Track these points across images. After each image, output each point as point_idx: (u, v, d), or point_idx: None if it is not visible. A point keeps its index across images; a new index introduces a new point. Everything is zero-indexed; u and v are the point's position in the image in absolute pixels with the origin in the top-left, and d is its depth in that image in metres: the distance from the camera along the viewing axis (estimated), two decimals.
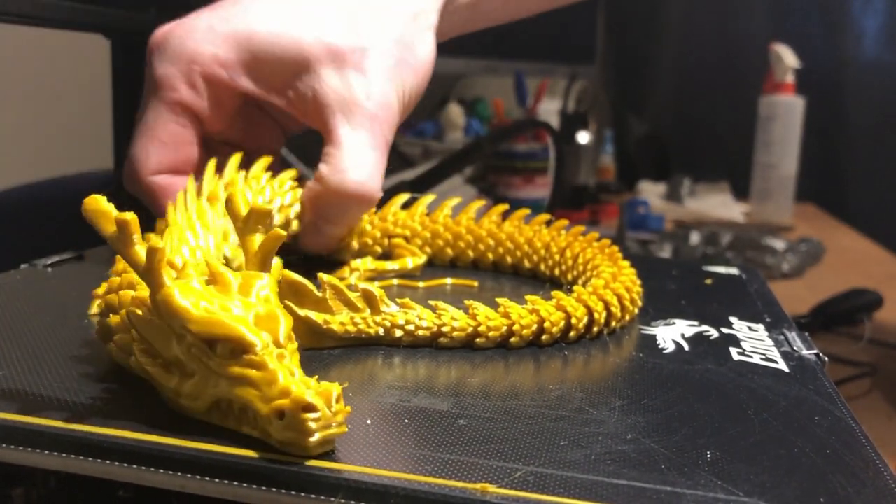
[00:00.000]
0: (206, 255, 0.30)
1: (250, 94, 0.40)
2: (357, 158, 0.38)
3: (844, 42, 1.48)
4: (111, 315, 0.25)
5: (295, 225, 0.40)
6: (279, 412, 0.20)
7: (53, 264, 0.38)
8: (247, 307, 0.22)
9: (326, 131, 0.39)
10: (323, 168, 0.38)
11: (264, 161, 0.40)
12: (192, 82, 0.39)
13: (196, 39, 0.39)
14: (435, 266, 0.43)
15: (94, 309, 0.31)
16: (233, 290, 0.23)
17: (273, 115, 0.45)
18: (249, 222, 0.24)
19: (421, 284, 0.39)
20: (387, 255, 0.42)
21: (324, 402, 0.20)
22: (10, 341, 0.27)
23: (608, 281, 0.34)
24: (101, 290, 0.29)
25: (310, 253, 0.41)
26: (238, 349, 0.21)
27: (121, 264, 0.28)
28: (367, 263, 0.40)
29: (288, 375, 0.21)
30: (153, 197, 0.39)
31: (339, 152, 0.38)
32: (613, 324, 0.32)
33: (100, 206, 0.22)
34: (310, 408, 0.20)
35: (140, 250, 0.22)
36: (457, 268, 0.43)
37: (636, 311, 0.34)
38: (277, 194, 0.39)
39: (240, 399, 0.21)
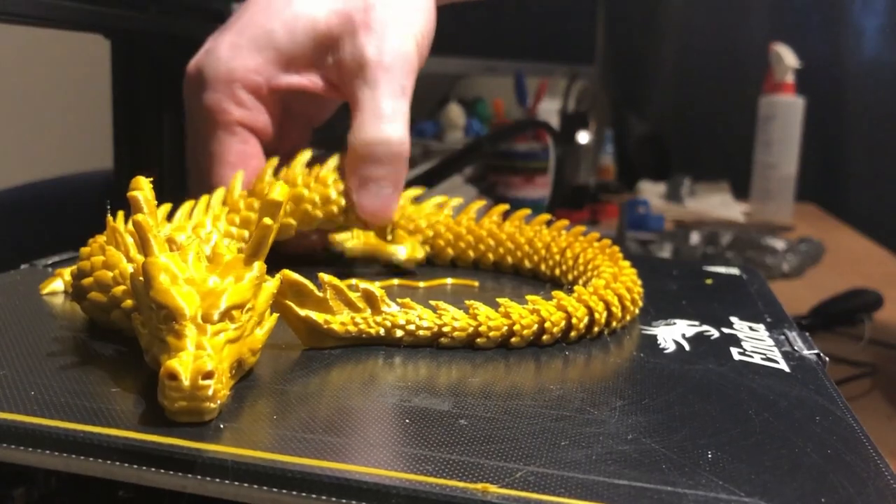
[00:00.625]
0: (220, 239, 0.34)
1: (291, 88, 0.41)
2: (375, 112, 0.39)
3: (844, 42, 1.48)
4: (84, 279, 0.29)
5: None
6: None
7: (53, 264, 0.38)
8: (201, 283, 0.24)
9: (351, 98, 0.40)
10: (350, 133, 0.39)
11: (304, 156, 0.42)
12: (238, 99, 0.40)
13: (225, 59, 0.40)
14: (435, 266, 0.43)
15: (49, 287, 0.34)
16: (218, 269, 0.25)
17: (301, 110, 0.45)
18: (261, 211, 0.25)
19: (421, 284, 0.39)
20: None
21: (189, 375, 0.21)
22: (10, 341, 0.27)
23: (609, 281, 0.34)
24: (65, 271, 0.33)
25: (377, 225, 0.41)
26: (170, 316, 0.23)
27: (95, 241, 0.31)
28: (362, 236, 0.41)
29: (190, 346, 0.22)
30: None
31: (360, 113, 0.39)
32: (614, 324, 0.32)
33: (145, 193, 0.25)
34: (174, 376, 0.21)
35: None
36: (457, 268, 0.43)
37: (637, 311, 0.34)
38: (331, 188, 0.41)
39: (159, 360, 0.23)
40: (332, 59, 0.40)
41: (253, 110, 0.41)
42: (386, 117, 0.39)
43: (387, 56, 0.39)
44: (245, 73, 0.40)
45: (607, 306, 0.32)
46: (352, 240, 0.41)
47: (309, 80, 0.41)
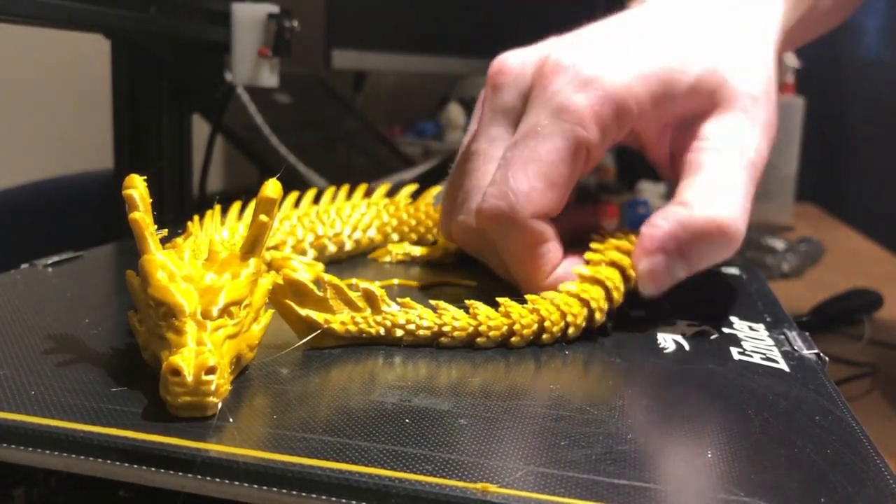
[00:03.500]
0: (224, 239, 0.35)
1: (641, 133, 0.37)
2: (730, 194, 0.34)
3: (844, 42, 1.48)
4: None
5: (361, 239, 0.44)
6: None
7: (53, 264, 0.38)
8: (199, 280, 0.24)
9: (695, 165, 0.35)
10: (689, 195, 0.34)
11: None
12: (602, 121, 0.34)
13: (610, 68, 0.34)
14: (436, 266, 0.43)
15: None
16: (214, 266, 0.25)
17: None
18: (257, 208, 0.25)
19: (422, 284, 0.39)
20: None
21: (193, 371, 0.21)
22: (10, 341, 0.27)
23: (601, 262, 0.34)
24: None
25: (645, 295, 0.35)
26: (169, 313, 0.23)
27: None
28: (405, 247, 0.43)
29: (190, 343, 0.22)
30: (528, 241, 0.34)
31: (711, 186, 0.34)
32: (616, 296, 0.33)
33: (140, 191, 0.24)
34: (177, 372, 0.21)
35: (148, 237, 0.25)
36: (457, 268, 0.43)
37: (633, 282, 0.34)
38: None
39: (158, 356, 0.23)
40: (694, 124, 0.36)
41: (605, 140, 0.35)
42: (738, 205, 0.34)
43: (755, 153, 0.35)
44: (625, 95, 0.34)
45: (607, 292, 0.32)
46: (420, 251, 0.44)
47: (656, 134, 0.37)
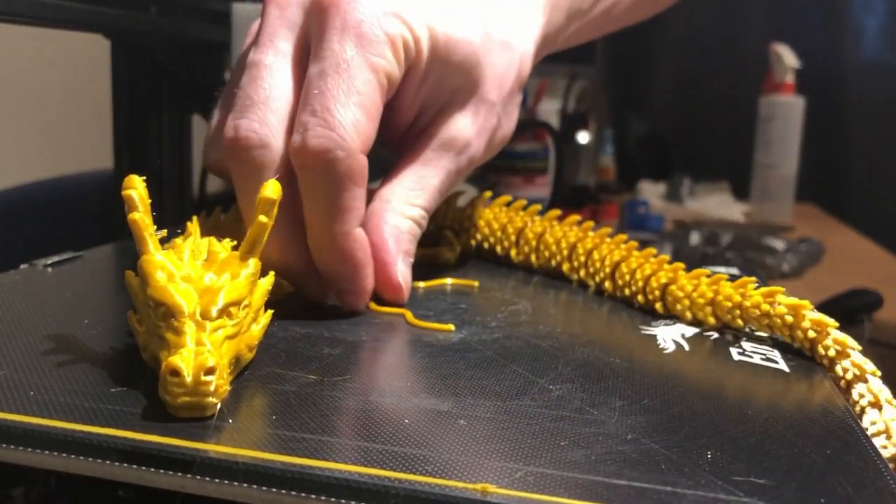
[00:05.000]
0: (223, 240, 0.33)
1: (404, 90, 0.36)
2: (403, 191, 0.36)
3: (844, 42, 1.48)
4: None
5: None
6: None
7: (53, 264, 0.38)
8: (198, 280, 0.24)
9: (411, 157, 0.37)
10: (388, 192, 0.36)
11: None
12: (397, 54, 0.33)
13: (408, 5, 0.34)
14: (436, 266, 0.43)
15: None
16: (213, 267, 0.25)
17: None
18: (256, 209, 0.25)
19: (421, 284, 0.39)
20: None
21: (192, 371, 0.21)
22: (10, 341, 0.27)
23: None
24: None
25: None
26: (168, 313, 0.23)
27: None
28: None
29: (190, 343, 0.22)
30: (357, 181, 0.32)
31: (391, 184, 0.37)
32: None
33: (139, 191, 0.24)
34: (176, 372, 0.21)
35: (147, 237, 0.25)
36: (458, 268, 0.43)
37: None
38: None
39: (158, 357, 0.23)
40: (443, 106, 0.37)
41: (399, 77, 0.34)
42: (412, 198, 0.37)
43: (465, 156, 0.38)
44: (409, 35, 0.34)
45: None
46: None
47: (414, 102, 0.37)
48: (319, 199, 0.32)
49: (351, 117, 0.32)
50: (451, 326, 0.32)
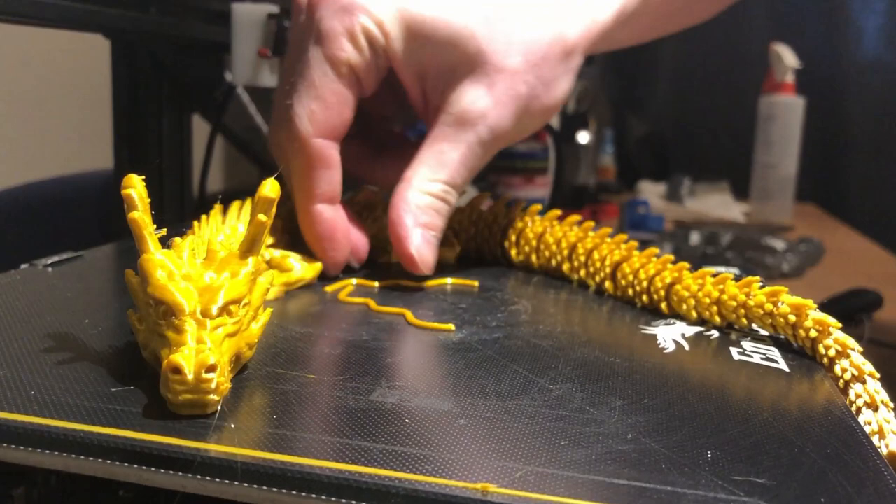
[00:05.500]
0: (224, 239, 0.34)
1: (397, 71, 0.38)
2: (424, 169, 0.38)
3: (844, 42, 1.48)
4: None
5: None
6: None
7: (54, 264, 0.38)
8: (198, 279, 0.24)
9: (430, 135, 0.38)
10: (410, 172, 0.38)
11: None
12: (354, 40, 0.37)
13: (371, 1, 0.37)
14: (437, 266, 0.43)
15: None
16: (213, 265, 0.25)
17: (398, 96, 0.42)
18: (255, 207, 0.25)
19: (421, 284, 0.39)
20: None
21: (193, 369, 0.22)
22: (11, 341, 0.27)
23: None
24: None
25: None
26: (169, 311, 0.23)
27: None
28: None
29: (190, 341, 0.23)
30: (313, 163, 0.37)
31: (413, 164, 0.38)
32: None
33: (138, 190, 0.24)
34: (177, 370, 0.21)
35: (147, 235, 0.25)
36: (457, 268, 0.43)
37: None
38: None
39: (158, 355, 0.23)
40: (444, 85, 0.38)
41: (366, 60, 0.37)
42: (444, 176, 0.38)
43: (485, 127, 0.38)
44: (375, 24, 0.36)
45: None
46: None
47: (412, 80, 0.39)
48: (293, 175, 0.38)
49: (305, 110, 0.37)
50: (451, 326, 0.32)
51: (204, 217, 0.36)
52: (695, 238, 0.93)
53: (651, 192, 1.32)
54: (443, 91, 0.38)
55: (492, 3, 0.38)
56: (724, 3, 0.53)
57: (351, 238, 0.40)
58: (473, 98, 0.38)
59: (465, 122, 0.38)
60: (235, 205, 0.39)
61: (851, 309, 0.65)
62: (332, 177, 0.38)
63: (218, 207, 0.38)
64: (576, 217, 0.42)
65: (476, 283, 0.40)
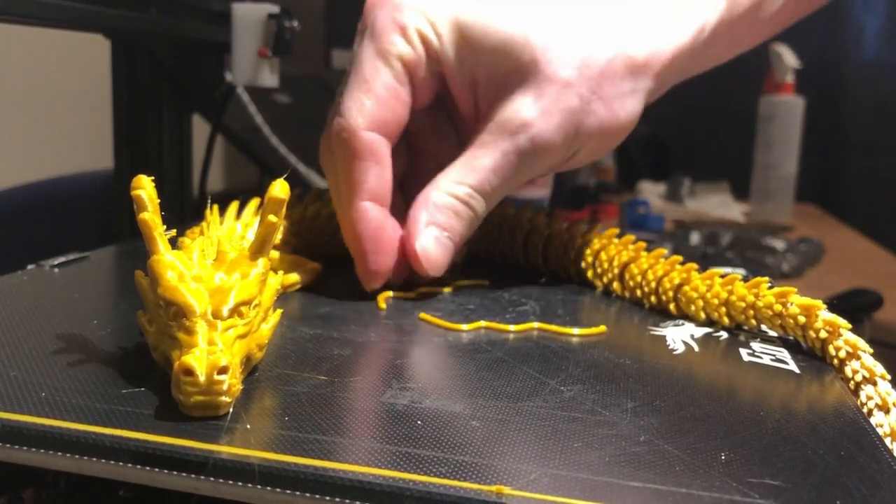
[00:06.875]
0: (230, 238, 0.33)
1: (448, 77, 0.37)
2: (462, 172, 0.37)
3: (844, 42, 1.48)
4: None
5: None
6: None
7: (60, 265, 0.38)
8: (209, 280, 0.24)
9: (473, 141, 0.37)
10: (443, 175, 0.37)
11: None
12: (406, 35, 0.36)
13: (426, 3, 0.36)
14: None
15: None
16: (223, 266, 0.25)
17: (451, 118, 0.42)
18: (265, 208, 0.25)
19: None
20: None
21: (205, 370, 0.21)
22: (20, 342, 0.27)
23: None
24: None
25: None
26: (180, 313, 0.23)
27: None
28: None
29: (202, 342, 0.23)
30: (361, 154, 0.36)
31: (446, 168, 0.37)
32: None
33: (148, 191, 0.24)
34: (189, 372, 0.21)
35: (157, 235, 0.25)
36: (466, 268, 0.43)
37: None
38: None
39: (169, 356, 0.23)
40: (496, 91, 0.37)
41: (419, 57, 0.36)
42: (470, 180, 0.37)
43: (526, 137, 0.36)
44: (427, 23, 0.36)
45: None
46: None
47: (462, 87, 0.38)
48: (339, 173, 0.37)
49: (355, 103, 0.36)
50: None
51: (211, 217, 0.36)
52: (695, 238, 0.93)
53: (651, 192, 1.32)
54: (492, 100, 0.37)
55: (553, 13, 0.37)
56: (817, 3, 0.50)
57: (397, 250, 0.37)
58: (519, 106, 0.36)
59: (505, 130, 0.36)
60: (233, 206, 0.39)
61: (851, 309, 0.65)
62: (381, 173, 0.36)
63: (215, 208, 0.38)
64: (583, 219, 0.42)
65: (484, 284, 0.40)
